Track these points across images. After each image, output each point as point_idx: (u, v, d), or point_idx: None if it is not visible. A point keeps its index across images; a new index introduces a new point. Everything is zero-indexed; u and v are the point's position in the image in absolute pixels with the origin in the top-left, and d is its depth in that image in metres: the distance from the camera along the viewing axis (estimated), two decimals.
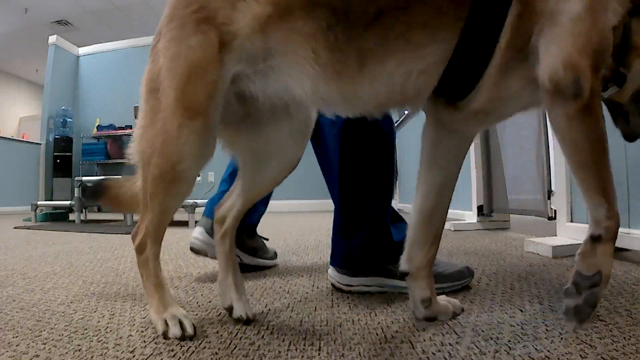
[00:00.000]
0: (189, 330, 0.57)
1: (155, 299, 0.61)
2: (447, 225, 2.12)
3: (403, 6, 0.50)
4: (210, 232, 0.89)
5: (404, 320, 0.63)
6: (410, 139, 3.85)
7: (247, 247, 0.99)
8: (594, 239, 0.54)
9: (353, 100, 0.55)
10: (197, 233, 0.91)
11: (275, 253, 1.12)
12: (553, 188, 1.53)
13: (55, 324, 0.63)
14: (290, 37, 0.52)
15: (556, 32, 0.48)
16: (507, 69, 0.51)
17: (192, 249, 0.92)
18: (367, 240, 0.82)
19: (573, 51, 0.48)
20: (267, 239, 1.15)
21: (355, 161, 0.81)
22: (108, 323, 0.63)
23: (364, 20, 0.50)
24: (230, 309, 0.66)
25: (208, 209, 0.95)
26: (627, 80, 0.55)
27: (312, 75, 0.52)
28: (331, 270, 0.85)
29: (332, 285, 0.84)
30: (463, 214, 2.36)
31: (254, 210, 0.99)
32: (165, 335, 0.57)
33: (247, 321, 0.64)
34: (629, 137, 0.64)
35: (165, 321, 0.58)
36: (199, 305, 0.73)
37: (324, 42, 0.51)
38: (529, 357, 0.48)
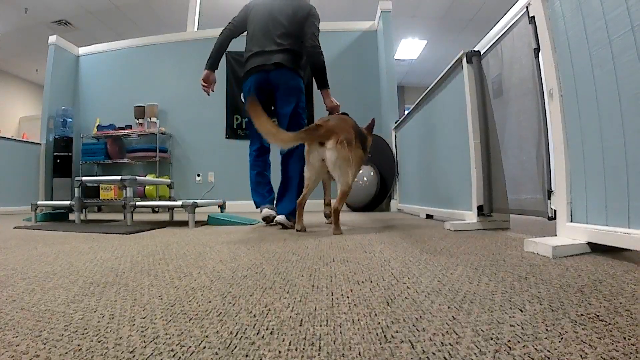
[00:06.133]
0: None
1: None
2: (447, 225, 2.12)
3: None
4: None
5: (404, 320, 0.63)
6: (410, 139, 3.85)
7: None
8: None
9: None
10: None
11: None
12: (553, 188, 1.53)
13: (55, 324, 0.63)
14: None
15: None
16: None
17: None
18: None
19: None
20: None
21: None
22: (108, 323, 0.63)
23: None
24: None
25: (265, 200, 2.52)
26: None
27: None
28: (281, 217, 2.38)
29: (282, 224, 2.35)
30: (463, 214, 2.35)
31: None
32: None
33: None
34: None
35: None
36: (199, 305, 0.73)
37: None
38: (529, 357, 0.48)
